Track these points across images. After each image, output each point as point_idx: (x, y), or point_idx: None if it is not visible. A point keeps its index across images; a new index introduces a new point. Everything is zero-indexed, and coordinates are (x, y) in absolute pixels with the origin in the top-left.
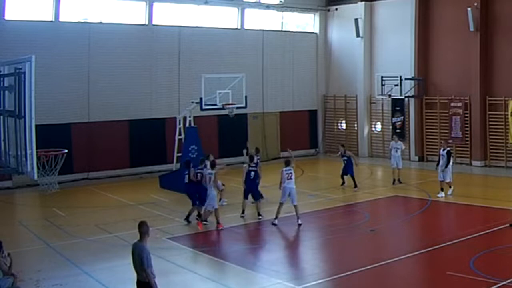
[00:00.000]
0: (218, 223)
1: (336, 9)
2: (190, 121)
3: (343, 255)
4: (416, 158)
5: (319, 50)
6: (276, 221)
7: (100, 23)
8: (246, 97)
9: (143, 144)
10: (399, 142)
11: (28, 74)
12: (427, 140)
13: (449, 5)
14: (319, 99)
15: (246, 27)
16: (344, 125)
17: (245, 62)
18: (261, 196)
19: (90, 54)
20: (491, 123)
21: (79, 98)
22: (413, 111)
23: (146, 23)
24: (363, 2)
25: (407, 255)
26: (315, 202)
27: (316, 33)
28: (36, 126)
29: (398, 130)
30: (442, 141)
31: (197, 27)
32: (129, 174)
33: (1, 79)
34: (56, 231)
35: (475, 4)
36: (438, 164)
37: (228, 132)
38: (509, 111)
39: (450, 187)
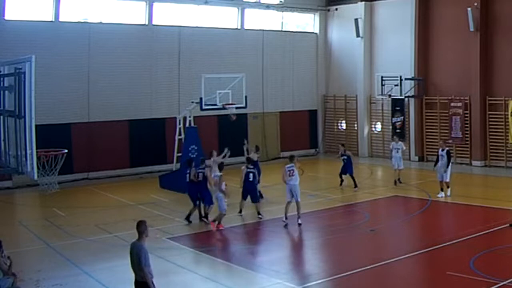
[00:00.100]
0: (218, 223)
1: (336, 9)
2: (190, 121)
3: (343, 255)
4: (416, 158)
5: (319, 50)
6: (286, 221)
7: (100, 23)
8: (246, 97)
9: (143, 144)
10: (400, 142)
11: (28, 74)
12: (427, 140)
13: (449, 5)
14: (319, 99)
15: (246, 27)
16: (344, 125)
17: (245, 62)
18: (261, 196)
19: (90, 54)
20: (491, 123)
21: (79, 98)
22: (413, 111)
23: (146, 23)
24: (363, 2)
25: (407, 255)
26: (315, 202)
27: (316, 33)
28: (36, 126)
29: (398, 130)
30: (441, 142)
31: (197, 27)
32: (129, 174)
33: (1, 79)
34: (56, 231)
35: (475, 4)
36: (435, 164)
37: (228, 132)
38: (509, 111)
39: (448, 187)
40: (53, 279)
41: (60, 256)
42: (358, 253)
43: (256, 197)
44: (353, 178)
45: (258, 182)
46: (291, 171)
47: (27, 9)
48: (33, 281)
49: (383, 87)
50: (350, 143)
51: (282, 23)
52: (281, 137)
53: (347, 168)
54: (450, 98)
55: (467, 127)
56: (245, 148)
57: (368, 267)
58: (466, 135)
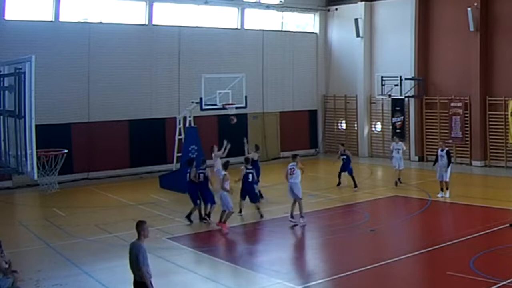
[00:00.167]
0: (220, 221)
1: (336, 9)
2: (190, 121)
3: (343, 255)
4: (416, 158)
5: (319, 50)
6: (293, 220)
7: (100, 23)
8: (246, 97)
9: (143, 144)
10: (400, 143)
11: (28, 74)
12: (427, 140)
13: (449, 5)
14: (319, 99)
15: (246, 27)
16: (344, 125)
17: (245, 62)
18: (261, 196)
19: (90, 54)
20: (491, 123)
21: (79, 98)
22: (413, 111)
23: (146, 23)
24: (363, 2)
25: (407, 255)
26: (315, 202)
27: (316, 33)
28: (36, 126)
29: (398, 130)
30: (441, 142)
31: (197, 27)
32: (129, 174)
33: (1, 79)
34: (56, 231)
35: (475, 4)
36: (434, 164)
37: (228, 132)
38: (509, 111)
39: (447, 189)
40: (53, 279)
41: (60, 256)
42: (358, 253)
43: (255, 197)
44: (353, 178)
45: (258, 181)
46: (292, 169)
47: (27, 9)
48: (33, 281)
49: (383, 87)
50: (350, 143)
51: (282, 23)
52: (281, 137)
53: (346, 168)
54: (450, 98)
55: (467, 127)
56: (246, 148)
57: (368, 267)
58: (466, 135)
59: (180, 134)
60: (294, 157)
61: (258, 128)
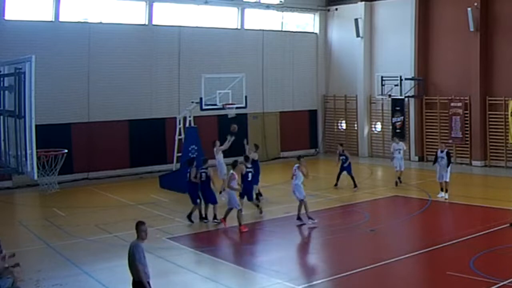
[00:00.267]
0: (223, 218)
1: (336, 9)
2: (190, 121)
3: (343, 255)
4: (416, 158)
5: (319, 50)
6: (297, 221)
7: (100, 23)
8: (246, 97)
9: (143, 144)
10: (401, 143)
11: (28, 74)
12: (427, 140)
13: (449, 5)
14: (319, 99)
15: (246, 27)
16: (344, 125)
17: (245, 62)
18: (260, 195)
19: (90, 54)
20: (491, 123)
21: (79, 98)
22: (413, 111)
23: (146, 23)
24: (363, 2)
25: (407, 255)
26: (315, 202)
27: (316, 33)
28: (36, 126)
29: (398, 130)
30: (441, 143)
31: (197, 27)
32: (129, 174)
33: (1, 79)
34: (56, 231)
35: (475, 4)
36: (434, 163)
37: (229, 132)
38: (509, 111)
39: (446, 190)
40: (53, 279)
41: (60, 256)
42: (358, 253)
43: (251, 196)
44: (352, 178)
45: (258, 181)
46: (294, 170)
47: (27, 9)
48: (33, 281)
49: (383, 87)
50: (350, 143)
51: (282, 23)
52: (281, 137)
53: (345, 168)
54: (450, 98)
55: (467, 127)
56: (246, 149)
57: (368, 267)
58: (466, 135)
59: (180, 134)
60: (298, 158)
61: (258, 128)
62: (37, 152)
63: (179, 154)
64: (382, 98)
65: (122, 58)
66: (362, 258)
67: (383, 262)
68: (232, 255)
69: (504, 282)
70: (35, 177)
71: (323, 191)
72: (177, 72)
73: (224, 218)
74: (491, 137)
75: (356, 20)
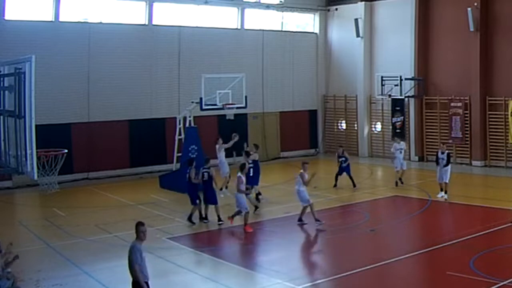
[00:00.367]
0: (231, 217)
1: (336, 9)
2: (190, 121)
3: (343, 255)
4: (416, 158)
5: (319, 50)
6: (298, 222)
7: (100, 23)
8: (246, 97)
9: (143, 144)
10: (402, 143)
11: (28, 74)
12: (427, 140)
13: (449, 5)
14: (319, 99)
15: (246, 27)
16: (344, 125)
17: (245, 62)
18: (260, 194)
19: (90, 54)
20: (491, 123)
21: (79, 98)
22: (413, 111)
23: (146, 23)
24: (363, 2)
25: (407, 255)
26: (315, 202)
27: (316, 33)
28: (36, 126)
29: (398, 130)
30: (441, 144)
31: (197, 27)
32: (129, 174)
33: (1, 79)
34: (56, 231)
35: (475, 4)
36: (437, 164)
37: (229, 132)
38: (509, 111)
39: (446, 191)
40: (53, 279)
41: (60, 256)
42: (358, 253)
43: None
44: (351, 178)
45: (258, 182)
46: (296, 177)
47: (27, 9)
48: (33, 281)
49: (383, 87)
50: (350, 143)
51: (282, 23)
52: (281, 137)
53: (344, 169)
54: (450, 98)
55: (467, 127)
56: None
57: (368, 267)
58: (466, 135)
59: (180, 134)
60: (302, 164)
61: (258, 128)
62: (37, 152)
63: (179, 154)
64: (382, 98)
65: (122, 58)
66: (362, 258)
67: (383, 262)
68: (232, 255)
69: (504, 282)
70: (35, 177)
71: (323, 191)
72: (177, 72)
73: (232, 217)
74: (491, 137)
75: (356, 20)
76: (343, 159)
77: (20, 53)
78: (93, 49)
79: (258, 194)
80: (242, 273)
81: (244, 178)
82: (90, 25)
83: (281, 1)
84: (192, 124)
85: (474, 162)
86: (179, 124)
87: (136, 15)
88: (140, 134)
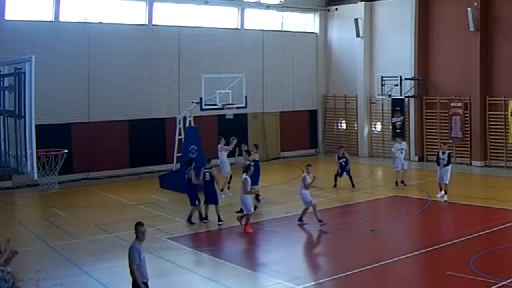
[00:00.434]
0: (240, 218)
1: (336, 9)
2: (190, 121)
3: (343, 255)
4: (416, 158)
5: (319, 50)
6: (299, 221)
7: (100, 23)
8: (246, 97)
9: (143, 144)
10: (403, 143)
11: (28, 74)
12: (427, 140)
13: (449, 5)
14: (319, 99)
15: (246, 27)
16: (344, 125)
17: (245, 62)
18: (258, 194)
19: (90, 54)
20: (491, 123)
21: (79, 98)
22: (413, 111)
23: (146, 23)
24: (363, 2)
25: (407, 255)
26: (315, 202)
27: (316, 33)
28: (36, 126)
29: (398, 130)
30: (442, 145)
31: (197, 27)
32: (129, 174)
33: (1, 79)
34: (56, 231)
35: (475, 4)
36: (438, 164)
37: (228, 132)
38: (509, 111)
39: (445, 192)
40: (53, 279)
41: (60, 256)
42: (358, 253)
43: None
44: (351, 178)
45: (258, 182)
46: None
47: (27, 9)
48: (33, 281)
49: (383, 87)
50: (350, 143)
51: (282, 23)
52: (281, 137)
53: (344, 170)
54: (450, 98)
55: (467, 127)
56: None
57: (368, 267)
58: (466, 135)
59: (180, 134)
60: (305, 167)
61: (258, 128)
62: (37, 152)
63: (179, 154)
64: (382, 98)
65: (122, 58)
66: (362, 258)
67: (383, 262)
68: (232, 255)
69: (504, 282)
70: (35, 177)
71: (323, 191)
72: (177, 72)
73: (241, 218)
74: (491, 137)
75: (356, 20)
76: (344, 160)
77: (20, 53)
78: (93, 49)
79: (257, 195)
80: (242, 273)
81: (249, 180)
82: (90, 25)
83: (281, 1)
84: (192, 124)
85: (474, 162)
86: (179, 124)
87: (136, 15)
88: (140, 134)
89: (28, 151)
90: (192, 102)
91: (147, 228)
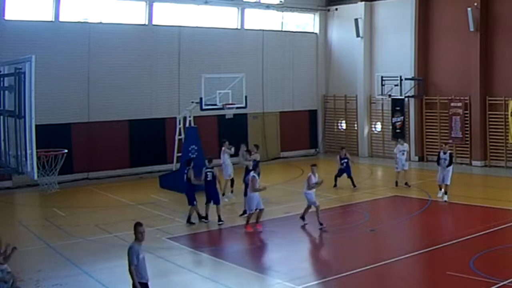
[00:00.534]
0: (257, 223)
1: (336, 9)
2: (190, 121)
3: (343, 255)
4: (416, 158)
5: (319, 50)
6: (301, 221)
7: (100, 23)
8: (246, 97)
9: (143, 144)
10: (405, 144)
11: (28, 74)
12: (427, 140)
13: (449, 5)
14: (319, 99)
15: (246, 27)
16: (344, 125)
17: (245, 62)
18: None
19: (90, 54)
20: (491, 123)
21: (79, 98)
22: (413, 111)
23: (146, 23)
24: (363, 2)
25: (407, 255)
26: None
27: (316, 33)
28: (36, 126)
29: (398, 130)
30: (443, 145)
31: (197, 27)
32: (129, 174)
33: (1, 79)
34: (56, 231)
35: (475, 4)
36: (438, 164)
37: (228, 132)
38: (509, 111)
39: (446, 193)
40: (53, 279)
41: (60, 256)
42: (358, 253)
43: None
44: (351, 178)
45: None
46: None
47: (27, 9)
48: (33, 281)
49: (383, 87)
50: (350, 143)
51: (282, 23)
52: (281, 137)
53: (345, 170)
54: (450, 98)
55: (467, 127)
56: (241, 151)
57: (368, 267)
58: (466, 135)
59: (180, 134)
60: (310, 166)
61: (258, 128)
62: (37, 152)
63: (179, 154)
64: (382, 98)
65: (122, 58)
66: (362, 258)
67: (383, 262)
68: (232, 255)
69: (504, 282)
70: (35, 177)
71: (323, 191)
72: (177, 72)
73: (258, 223)
74: (491, 137)
75: (356, 20)
76: (346, 160)
77: (20, 53)
78: (93, 49)
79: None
80: (242, 273)
81: (257, 177)
82: (90, 25)
83: (281, 1)
84: (192, 124)
85: (474, 162)
86: (179, 124)
87: (136, 15)
88: (140, 134)
89: (28, 151)
90: (192, 102)
91: (147, 228)
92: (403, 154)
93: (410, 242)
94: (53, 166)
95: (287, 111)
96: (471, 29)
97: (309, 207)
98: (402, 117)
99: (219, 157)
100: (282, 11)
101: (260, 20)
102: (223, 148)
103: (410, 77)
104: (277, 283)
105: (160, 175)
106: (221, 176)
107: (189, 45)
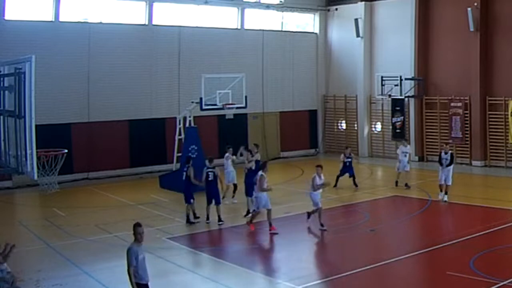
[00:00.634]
0: (270, 225)
1: (336, 9)
2: (190, 121)
3: (343, 255)
4: (416, 158)
5: (319, 50)
6: (307, 216)
7: (100, 23)
8: (246, 97)
9: (143, 144)
10: (408, 146)
11: (28, 74)
12: (427, 140)
13: (449, 5)
14: (319, 99)
15: (246, 27)
16: (344, 125)
17: (245, 62)
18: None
19: (90, 54)
20: (491, 123)
21: (79, 98)
22: (413, 111)
23: (146, 23)
24: (363, 2)
25: (407, 255)
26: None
27: (316, 33)
28: (36, 126)
29: (398, 130)
30: (444, 145)
31: (197, 27)
32: (129, 174)
33: (1, 79)
34: (56, 231)
35: (475, 4)
36: (441, 164)
37: (228, 132)
38: (509, 111)
39: (446, 193)
40: (53, 279)
41: (60, 256)
42: (358, 253)
43: (251, 192)
44: (354, 177)
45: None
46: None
47: (27, 9)
48: (33, 281)
49: (383, 87)
50: (350, 143)
51: (282, 23)
52: (281, 137)
53: (348, 170)
54: (450, 98)
55: (467, 127)
56: (239, 152)
57: (368, 267)
58: (466, 135)
59: (180, 134)
60: (315, 167)
61: (258, 128)
62: (37, 152)
63: (179, 154)
64: (382, 98)
65: (122, 58)
66: (362, 258)
67: (383, 262)
68: (232, 255)
69: (504, 282)
70: (35, 177)
71: (323, 191)
72: (177, 72)
73: (270, 224)
74: (491, 137)
75: (356, 20)
76: (349, 160)
77: (20, 53)
78: (93, 49)
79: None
80: (242, 273)
81: (265, 176)
82: (90, 25)
83: (281, 1)
84: (192, 124)
85: (474, 162)
86: (179, 124)
87: (136, 15)
88: (140, 134)
89: (28, 151)
90: (192, 102)
91: (147, 228)
92: (405, 155)
93: (410, 242)
94: (53, 166)
95: (287, 111)
96: (471, 29)
97: (316, 209)
98: (402, 117)
99: (220, 158)
100: (282, 11)
101: (260, 20)
102: (226, 154)
103: (410, 77)
104: (277, 283)
105: (160, 175)
106: (222, 176)
107: (189, 45)
